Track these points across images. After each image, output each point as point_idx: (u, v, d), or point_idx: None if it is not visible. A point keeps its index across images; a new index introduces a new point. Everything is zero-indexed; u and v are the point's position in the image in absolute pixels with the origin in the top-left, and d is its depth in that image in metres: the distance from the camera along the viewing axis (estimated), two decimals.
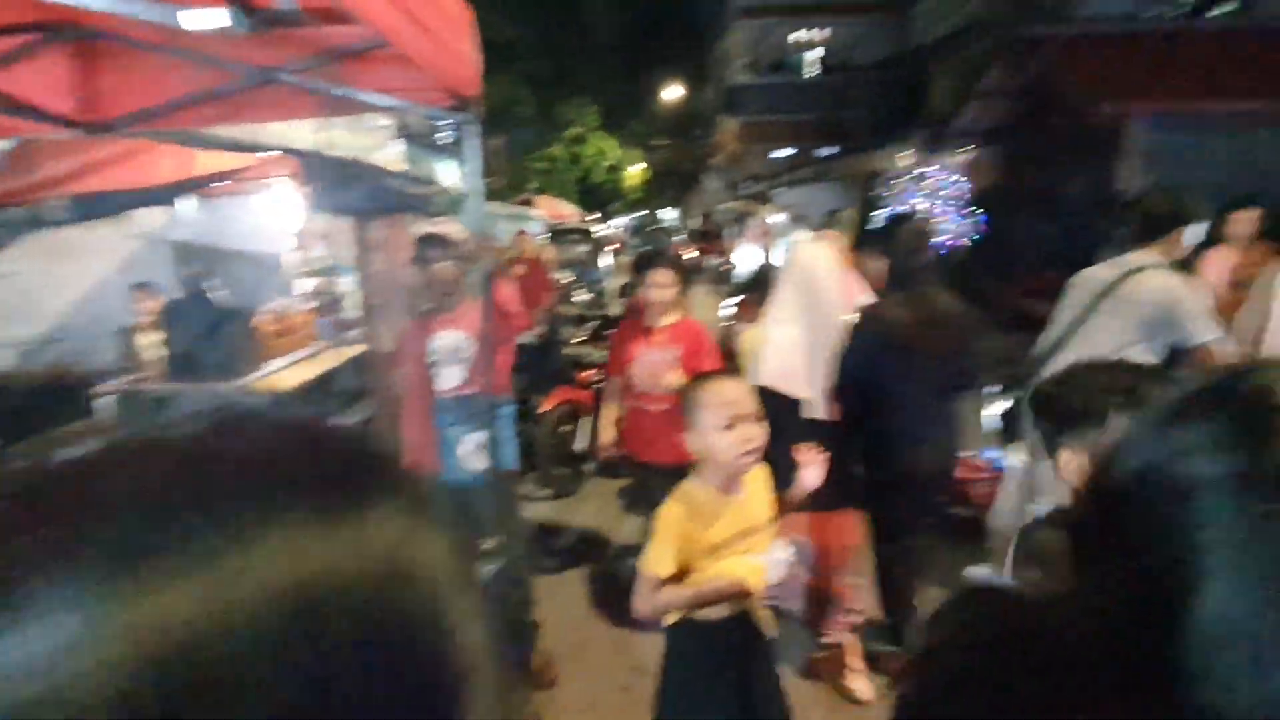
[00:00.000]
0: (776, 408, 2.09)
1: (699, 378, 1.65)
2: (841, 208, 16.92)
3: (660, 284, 2.73)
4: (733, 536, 1.52)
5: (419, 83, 1.76)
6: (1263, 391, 0.43)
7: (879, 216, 7.63)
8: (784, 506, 1.68)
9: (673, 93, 23.95)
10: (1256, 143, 6.75)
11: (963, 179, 7.13)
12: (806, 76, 21.02)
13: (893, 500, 2.47)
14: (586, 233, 14.31)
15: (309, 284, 5.45)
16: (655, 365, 2.73)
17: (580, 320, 6.69)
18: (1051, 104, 7.91)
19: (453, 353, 2.44)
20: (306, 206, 3.96)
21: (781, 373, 2.48)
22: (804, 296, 2.52)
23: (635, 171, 24.56)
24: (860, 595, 2.61)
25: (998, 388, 3.21)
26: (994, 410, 3.21)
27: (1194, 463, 0.42)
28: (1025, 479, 2.58)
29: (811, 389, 2.46)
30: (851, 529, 2.56)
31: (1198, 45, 7.78)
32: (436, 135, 6.65)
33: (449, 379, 2.46)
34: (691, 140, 26.31)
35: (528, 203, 14.62)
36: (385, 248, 3.75)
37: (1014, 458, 2.83)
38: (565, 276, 9.60)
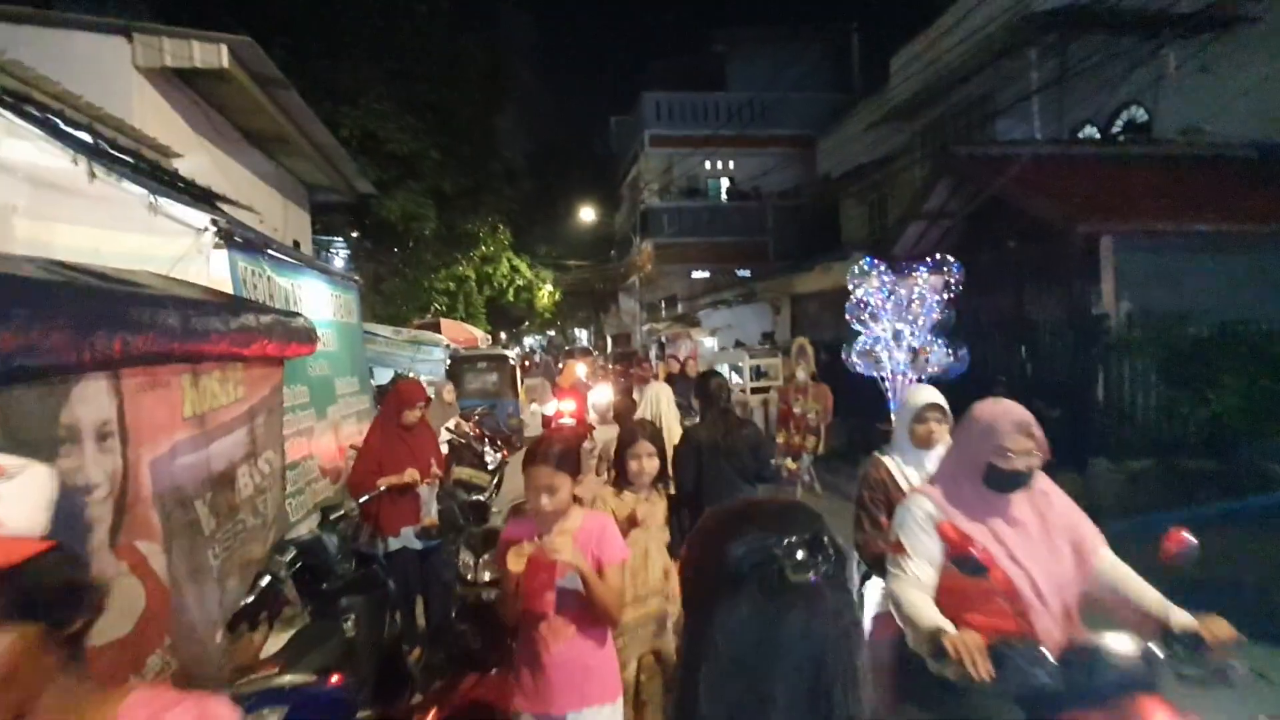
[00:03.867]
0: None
1: None
2: (770, 330, 16.62)
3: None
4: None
5: None
6: None
7: (858, 342, 6.73)
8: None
9: (585, 215, 24.06)
10: (1234, 263, 6.44)
11: (939, 302, 6.37)
12: (718, 201, 21.47)
13: None
14: (501, 358, 12.47)
15: None
16: None
17: (477, 510, 4.22)
18: (1013, 223, 7.52)
19: None
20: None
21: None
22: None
23: (546, 291, 23.89)
24: None
25: None
26: None
27: None
28: None
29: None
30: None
31: (1139, 168, 7.74)
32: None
33: None
34: (605, 261, 26.14)
35: (434, 326, 12.84)
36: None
37: None
38: (466, 425, 7.34)
